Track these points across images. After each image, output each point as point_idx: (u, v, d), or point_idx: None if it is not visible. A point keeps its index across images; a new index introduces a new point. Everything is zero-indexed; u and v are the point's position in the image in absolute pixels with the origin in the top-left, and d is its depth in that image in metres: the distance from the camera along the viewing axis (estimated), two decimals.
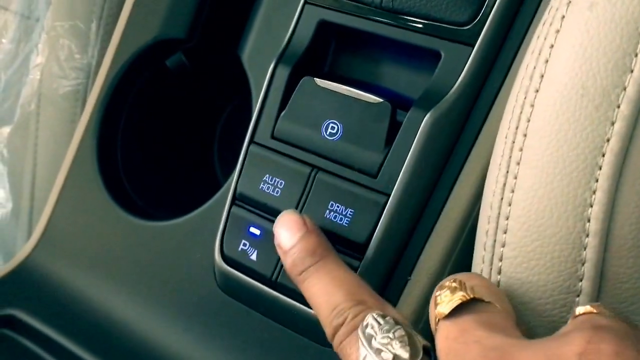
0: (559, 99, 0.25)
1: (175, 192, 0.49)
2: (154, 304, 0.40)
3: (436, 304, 0.25)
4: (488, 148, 0.32)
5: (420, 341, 0.25)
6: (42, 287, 0.43)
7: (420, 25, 0.34)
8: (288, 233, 0.32)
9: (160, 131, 0.49)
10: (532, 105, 0.27)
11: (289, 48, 0.37)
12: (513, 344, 0.22)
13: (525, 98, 0.27)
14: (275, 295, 0.36)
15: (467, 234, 0.33)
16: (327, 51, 0.38)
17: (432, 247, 0.33)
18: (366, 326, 0.26)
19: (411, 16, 0.34)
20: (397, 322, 0.26)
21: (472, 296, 0.25)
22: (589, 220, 0.25)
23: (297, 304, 0.35)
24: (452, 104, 0.33)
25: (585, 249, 0.26)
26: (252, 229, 0.36)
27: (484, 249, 0.29)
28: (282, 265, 0.35)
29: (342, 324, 0.27)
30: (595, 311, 0.23)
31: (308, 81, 0.35)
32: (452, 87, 0.33)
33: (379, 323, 0.25)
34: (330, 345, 0.35)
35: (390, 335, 0.25)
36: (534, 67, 0.27)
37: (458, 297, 0.25)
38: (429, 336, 0.26)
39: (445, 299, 0.25)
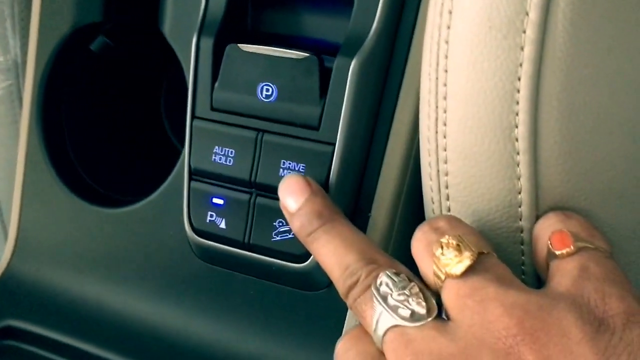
0: (469, 34, 0.26)
1: (136, 172, 0.49)
2: (141, 286, 0.41)
3: (443, 264, 0.25)
4: (415, 82, 0.33)
5: (434, 296, 0.26)
6: (30, 291, 0.44)
7: None
8: (293, 196, 0.31)
9: (106, 115, 0.49)
10: (447, 42, 0.27)
11: (207, 17, 0.37)
12: (531, 300, 0.24)
13: (439, 35, 0.28)
14: (252, 255, 0.37)
15: (413, 163, 0.35)
16: (246, 11, 0.38)
17: (385, 182, 0.35)
18: (380, 284, 0.26)
19: None
20: (410, 279, 0.26)
21: (477, 253, 0.25)
22: (517, 140, 0.27)
23: (274, 260, 0.37)
24: (374, 46, 0.33)
25: (518, 165, 0.28)
26: (215, 200, 0.38)
27: (430, 179, 0.31)
28: (251, 228, 0.37)
29: (355, 283, 0.27)
30: (572, 249, 0.25)
31: (233, 48, 0.35)
32: (371, 29, 0.33)
33: (393, 280, 0.26)
34: (314, 289, 0.38)
35: (406, 292, 0.25)
36: (442, 4, 0.27)
37: (467, 257, 0.25)
38: None
39: (454, 259, 0.25)
